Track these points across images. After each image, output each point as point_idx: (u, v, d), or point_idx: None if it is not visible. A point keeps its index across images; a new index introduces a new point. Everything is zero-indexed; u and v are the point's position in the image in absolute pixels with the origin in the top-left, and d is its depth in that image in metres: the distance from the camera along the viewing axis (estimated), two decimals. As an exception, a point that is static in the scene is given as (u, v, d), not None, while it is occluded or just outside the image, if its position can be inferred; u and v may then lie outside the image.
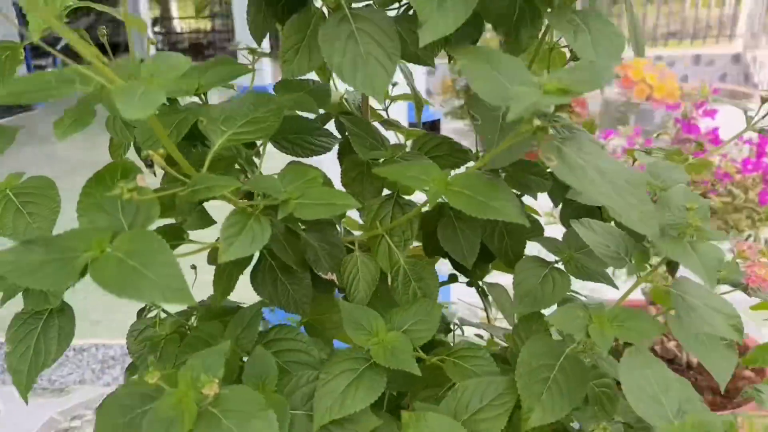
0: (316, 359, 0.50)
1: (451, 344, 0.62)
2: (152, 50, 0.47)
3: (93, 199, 0.39)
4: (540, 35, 0.52)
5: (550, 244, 0.61)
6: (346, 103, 0.67)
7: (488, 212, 0.40)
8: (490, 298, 0.80)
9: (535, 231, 0.66)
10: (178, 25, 12.26)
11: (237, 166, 0.49)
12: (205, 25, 11.76)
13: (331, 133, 0.60)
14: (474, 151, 0.63)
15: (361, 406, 0.45)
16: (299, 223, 0.50)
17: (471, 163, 0.57)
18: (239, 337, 0.51)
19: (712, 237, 0.44)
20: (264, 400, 0.38)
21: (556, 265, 0.58)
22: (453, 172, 0.48)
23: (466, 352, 0.55)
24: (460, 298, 1.06)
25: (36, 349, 0.55)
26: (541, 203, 0.70)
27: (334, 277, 0.55)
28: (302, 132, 0.57)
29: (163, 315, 0.61)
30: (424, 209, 0.55)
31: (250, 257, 0.50)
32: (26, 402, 0.57)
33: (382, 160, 0.55)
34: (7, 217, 0.51)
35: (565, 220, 0.66)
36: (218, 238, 0.44)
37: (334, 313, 0.57)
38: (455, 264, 0.68)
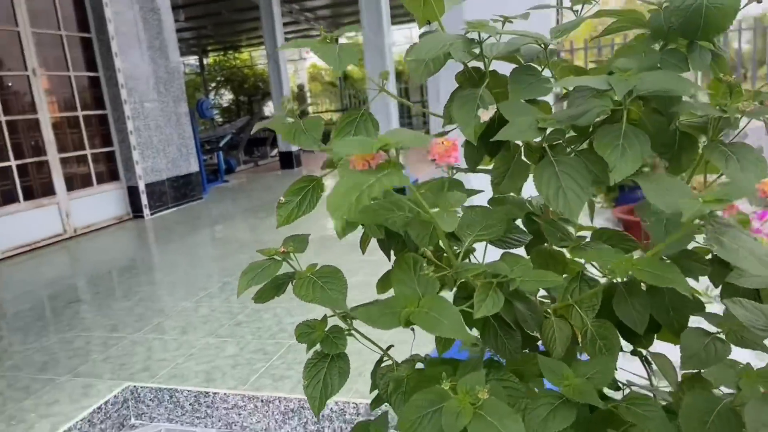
0: (524, 393, 0.70)
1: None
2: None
3: (398, 277, 0.64)
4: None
5: (712, 318, 0.76)
6: (529, 205, 0.89)
7: (665, 282, 0.58)
8: (653, 366, 0.94)
9: (697, 307, 0.81)
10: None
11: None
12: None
13: (525, 231, 0.82)
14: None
15: (558, 428, 0.63)
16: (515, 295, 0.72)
17: (638, 251, 0.75)
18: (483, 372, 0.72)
19: None
20: (510, 409, 0.58)
21: (717, 335, 0.72)
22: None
23: (638, 400, 0.70)
24: (621, 367, 1.19)
25: (324, 383, 0.81)
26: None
27: (537, 334, 0.75)
28: (507, 231, 0.79)
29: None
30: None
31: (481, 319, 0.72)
32: (318, 420, 0.82)
33: (569, 248, 0.76)
34: (316, 290, 0.78)
35: (724, 297, 0.79)
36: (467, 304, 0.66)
37: (532, 364, 0.77)
38: (623, 333, 0.84)
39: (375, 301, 0.64)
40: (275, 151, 11.47)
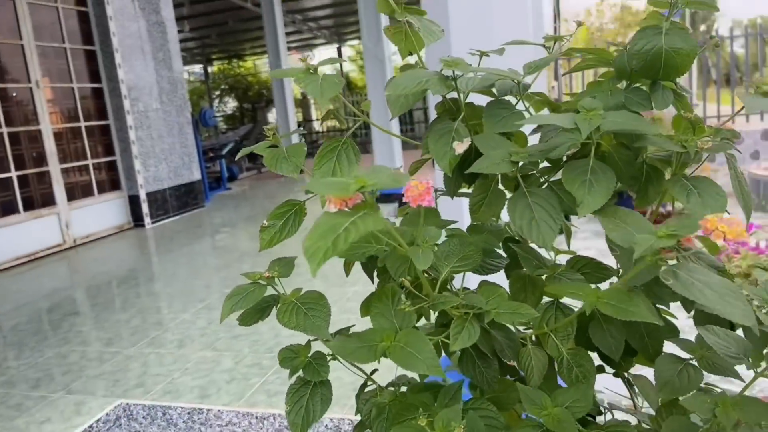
0: (503, 424, 0.71)
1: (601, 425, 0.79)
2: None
3: (377, 309, 0.65)
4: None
5: (684, 344, 0.77)
6: (509, 230, 0.91)
7: (627, 315, 0.59)
8: (635, 388, 0.95)
9: (672, 332, 0.82)
10: (317, 125, 15.66)
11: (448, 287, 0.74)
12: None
13: (503, 256, 0.83)
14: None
15: (540, 458, 0.64)
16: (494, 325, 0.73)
17: (614, 278, 0.77)
18: (447, 404, 0.73)
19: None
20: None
21: (690, 362, 0.74)
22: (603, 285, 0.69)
23: (617, 428, 0.71)
24: (607, 387, 1.20)
25: (307, 409, 0.82)
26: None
27: (515, 363, 0.76)
28: (485, 257, 0.81)
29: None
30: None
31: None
32: (301, 445, 0.83)
33: (545, 276, 0.77)
34: (299, 317, 0.80)
35: (697, 324, 0.81)
36: (429, 332, 0.67)
37: (512, 391, 0.78)
38: (603, 357, 0.85)
39: (353, 332, 0.65)
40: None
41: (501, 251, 0.87)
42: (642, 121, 0.60)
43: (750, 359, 0.64)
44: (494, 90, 0.76)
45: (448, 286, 0.81)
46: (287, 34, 11.71)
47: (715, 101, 7.60)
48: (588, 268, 0.79)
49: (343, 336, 0.64)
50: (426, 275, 0.70)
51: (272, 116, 17.90)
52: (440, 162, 0.69)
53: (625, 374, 0.95)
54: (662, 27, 0.63)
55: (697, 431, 0.65)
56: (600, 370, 0.95)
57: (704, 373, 0.73)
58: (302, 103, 18.95)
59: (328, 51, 19.51)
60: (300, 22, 13.46)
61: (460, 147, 0.69)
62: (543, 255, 0.85)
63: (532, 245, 0.91)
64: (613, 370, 0.93)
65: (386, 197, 4.93)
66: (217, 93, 20.26)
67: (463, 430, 0.57)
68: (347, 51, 18.59)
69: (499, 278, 0.85)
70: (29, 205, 5.27)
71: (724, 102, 7.99)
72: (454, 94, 0.77)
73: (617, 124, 0.59)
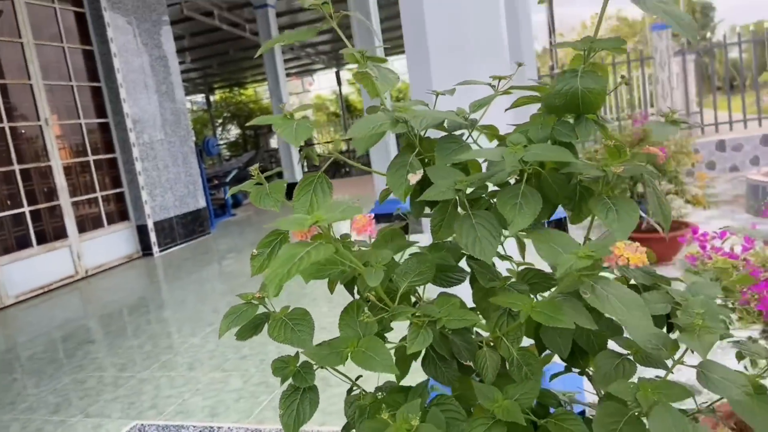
0: (464, 416, 0.81)
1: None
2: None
3: (344, 321, 0.76)
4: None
5: (623, 341, 0.87)
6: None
7: (555, 322, 0.70)
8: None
9: (616, 332, 0.92)
10: (319, 148, 15.82)
11: (413, 297, 0.85)
12: (343, 146, 14.17)
13: (464, 270, 0.95)
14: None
15: (492, 445, 0.75)
16: (448, 330, 0.84)
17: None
18: (418, 401, 0.83)
19: (714, 331, 0.70)
20: None
21: (627, 356, 0.84)
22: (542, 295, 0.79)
23: (565, 416, 0.81)
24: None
25: (297, 412, 0.92)
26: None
27: (471, 363, 0.86)
28: (447, 271, 0.92)
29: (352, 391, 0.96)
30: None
31: (420, 352, 0.84)
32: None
33: (497, 287, 0.88)
34: (286, 331, 0.91)
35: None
36: (402, 338, 0.78)
37: (473, 389, 0.88)
38: (566, 359, 0.96)
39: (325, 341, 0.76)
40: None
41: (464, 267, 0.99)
42: (561, 151, 0.72)
43: (666, 349, 0.74)
44: (444, 127, 0.88)
45: (415, 298, 0.92)
46: (286, 60, 11.98)
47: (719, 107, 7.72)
48: (536, 279, 0.90)
49: (318, 346, 0.75)
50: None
51: (274, 142, 18.19)
52: (396, 192, 0.80)
53: (588, 371, 1.05)
54: (578, 70, 0.75)
55: (627, 413, 0.75)
56: (567, 369, 1.06)
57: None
58: (304, 127, 19.17)
59: (327, 75, 19.89)
60: (298, 48, 13.76)
61: (414, 178, 0.81)
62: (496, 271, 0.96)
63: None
64: (578, 369, 1.04)
65: (384, 216, 5.09)
66: (220, 121, 20.61)
67: (417, 421, 0.67)
68: (346, 74, 18.91)
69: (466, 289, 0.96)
70: (42, 239, 5.44)
71: (722, 108, 8.11)
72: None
73: (537, 155, 0.71)
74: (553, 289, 0.88)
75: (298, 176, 10.05)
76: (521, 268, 0.96)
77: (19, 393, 2.91)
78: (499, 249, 1.03)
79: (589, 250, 0.66)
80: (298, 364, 0.96)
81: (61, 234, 5.63)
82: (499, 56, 1.86)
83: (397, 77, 0.87)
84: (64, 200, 5.70)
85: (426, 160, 0.89)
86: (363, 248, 0.90)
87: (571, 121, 0.78)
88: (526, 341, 0.96)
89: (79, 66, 6.05)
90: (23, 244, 5.26)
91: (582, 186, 0.82)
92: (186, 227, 6.94)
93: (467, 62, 1.79)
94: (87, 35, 6.11)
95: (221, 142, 18.87)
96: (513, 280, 0.89)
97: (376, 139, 0.86)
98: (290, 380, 0.95)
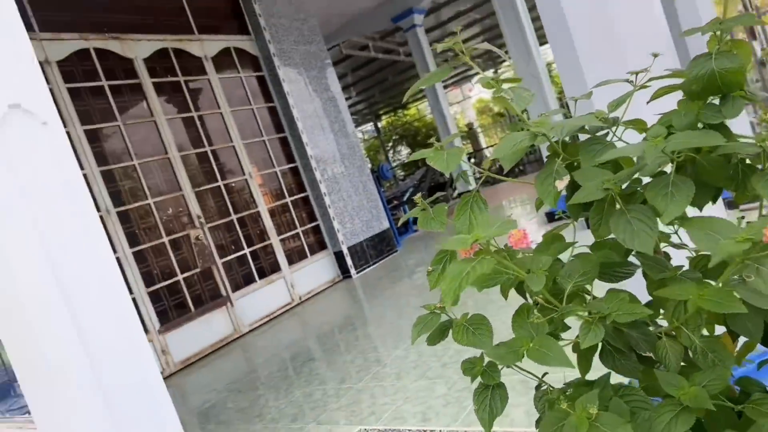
0: (650, 405, 0.83)
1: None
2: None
3: (517, 323, 0.85)
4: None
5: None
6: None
7: (725, 308, 0.70)
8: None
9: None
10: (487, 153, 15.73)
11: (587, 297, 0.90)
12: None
13: (632, 264, 0.96)
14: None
15: (681, 431, 0.76)
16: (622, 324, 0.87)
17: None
18: (601, 392, 0.88)
19: None
20: (622, 420, 0.74)
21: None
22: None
23: (763, 400, 0.79)
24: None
25: (490, 407, 1.02)
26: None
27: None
28: (614, 267, 0.95)
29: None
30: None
31: (596, 346, 0.88)
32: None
33: (667, 278, 0.88)
34: (468, 335, 1.02)
35: None
36: (577, 335, 0.84)
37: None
38: (763, 341, 0.91)
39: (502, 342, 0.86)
40: (456, 192, 11.94)
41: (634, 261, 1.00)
42: (704, 135, 0.72)
43: None
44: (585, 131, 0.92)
45: (589, 296, 0.96)
46: (442, 72, 12.22)
47: None
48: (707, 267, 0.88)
49: (498, 345, 0.84)
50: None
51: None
52: (546, 200, 0.87)
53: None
54: (712, 53, 0.74)
55: None
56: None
57: None
58: (470, 135, 19.35)
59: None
60: (452, 58, 13.97)
61: (561, 184, 0.86)
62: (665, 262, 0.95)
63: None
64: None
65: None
66: (390, 144, 21.74)
67: (595, 410, 0.72)
68: (506, 73, 18.60)
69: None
70: (262, 274, 6.36)
71: None
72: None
73: (679, 144, 0.72)
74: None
75: (471, 185, 10.17)
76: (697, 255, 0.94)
77: (263, 406, 3.46)
78: (674, 238, 1.02)
79: (747, 234, 0.66)
80: (484, 364, 1.06)
81: (275, 268, 6.52)
82: (656, 38, 1.77)
83: (531, 95, 0.93)
84: (274, 239, 6.59)
85: (574, 164, 0.94)
86: (527, 254, 0.98)
87: (717, 102, 0.77)
88: (719, 329, 0.94)
89: (267, 122, 6.98)
90: (249, 280, 6.21)
91: (744, 165, 0.80)
92: (375, 248, 7.49)
93: (617, 46, 1.74)
94: (268, 93, 7.04)
95: (394, 163, 19.92)
96: (685, 268, 0.88)
97: (520, 154, 0.94)
98: (479, 379, 1.05)
